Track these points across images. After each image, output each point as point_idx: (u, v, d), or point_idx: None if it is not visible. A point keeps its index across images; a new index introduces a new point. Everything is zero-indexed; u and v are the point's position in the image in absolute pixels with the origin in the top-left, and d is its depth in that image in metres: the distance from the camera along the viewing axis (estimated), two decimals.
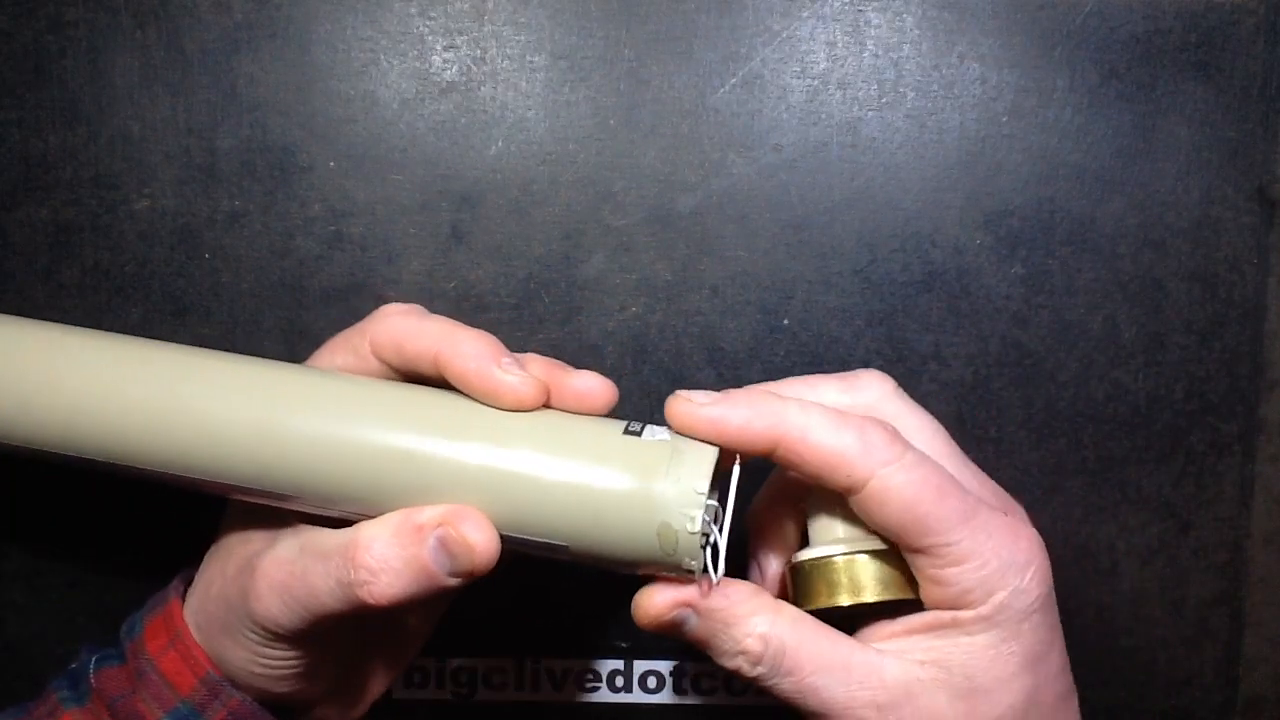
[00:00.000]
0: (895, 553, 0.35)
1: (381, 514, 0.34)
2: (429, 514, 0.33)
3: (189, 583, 0.39)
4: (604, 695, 0.47)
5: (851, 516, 0.35)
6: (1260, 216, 0.46)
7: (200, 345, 0.37)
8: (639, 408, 0.46)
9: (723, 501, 0.34)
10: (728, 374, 0.46)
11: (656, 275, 0.46)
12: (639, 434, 0.34)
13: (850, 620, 0.36)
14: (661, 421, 0.35)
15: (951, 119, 0.45)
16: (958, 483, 0.34)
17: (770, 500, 0.39)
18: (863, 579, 0.35)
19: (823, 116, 0.45)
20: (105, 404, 0.35)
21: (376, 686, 0.41)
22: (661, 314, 0.46)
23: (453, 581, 0.33)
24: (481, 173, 0.45)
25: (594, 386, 0.35)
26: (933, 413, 0.46)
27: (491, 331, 0.45)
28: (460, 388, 0.35)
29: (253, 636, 0.35)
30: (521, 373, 0.34)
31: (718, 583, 0.34)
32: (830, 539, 0.36)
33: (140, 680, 0.36)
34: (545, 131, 0.45)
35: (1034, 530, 0.35)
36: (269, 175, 0.45)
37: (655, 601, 0.34)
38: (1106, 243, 0.45)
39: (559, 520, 0.33)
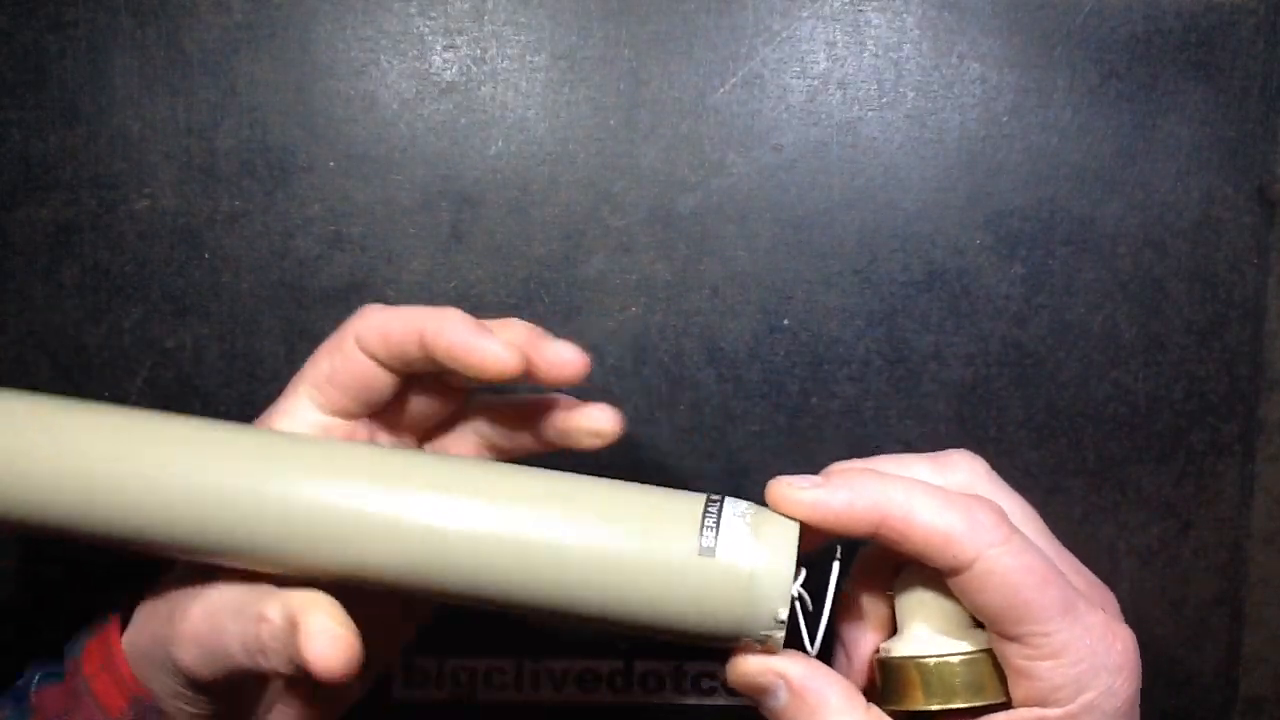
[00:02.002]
0: (987, 656, 0.34)
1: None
2: (296, 602, 0.32)
3: (136, 602, 0.38)
4: (604, 695, 0.47)
5: (943, 601, 0.34)
6: (1260, 216, 0.46)
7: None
8: (639, 408, 0.46)
9: (822, 580, 0.33)
10: (728, 374, 0.46)
11: (656, 275, 0.46)
12: (720, 502, 0.33)
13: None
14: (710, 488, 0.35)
15: (951, 119, 0.45)
16: (1060, 572, 0.33)
17: (860, 577, 0.38)
18: (954, 683, 0.34)
19: (823, 116, 0.45)
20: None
21: (319, 714, 0.40)
22: (661, 314, 0.46)
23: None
24: (481, 173, 0.45)
25: (568, 358, 0.35)
26: (933, 413, 0.46)
27: None
28: (448, 362, 0.34)
29: (176, 679, 0.35)
30: (503, 341, 0.34)
31: (813, 653, 0.33)
32: (921, 627, 0.35)
33: (76, 700, 0.37)
34: (545, 131, 0.45)
35: (1129, 630, 0.34)
36: (269, 175, 0.45)
37: (752, 663, 0.33)
38: (1106, 243, 0.45)
39: (628, 597, 0.32)
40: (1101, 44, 0.45)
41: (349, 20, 0.45)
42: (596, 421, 0.37)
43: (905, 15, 0.45)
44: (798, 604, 0.32)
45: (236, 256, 0.46)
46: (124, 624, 0.38)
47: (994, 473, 0.36)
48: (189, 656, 0.34)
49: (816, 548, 0.34)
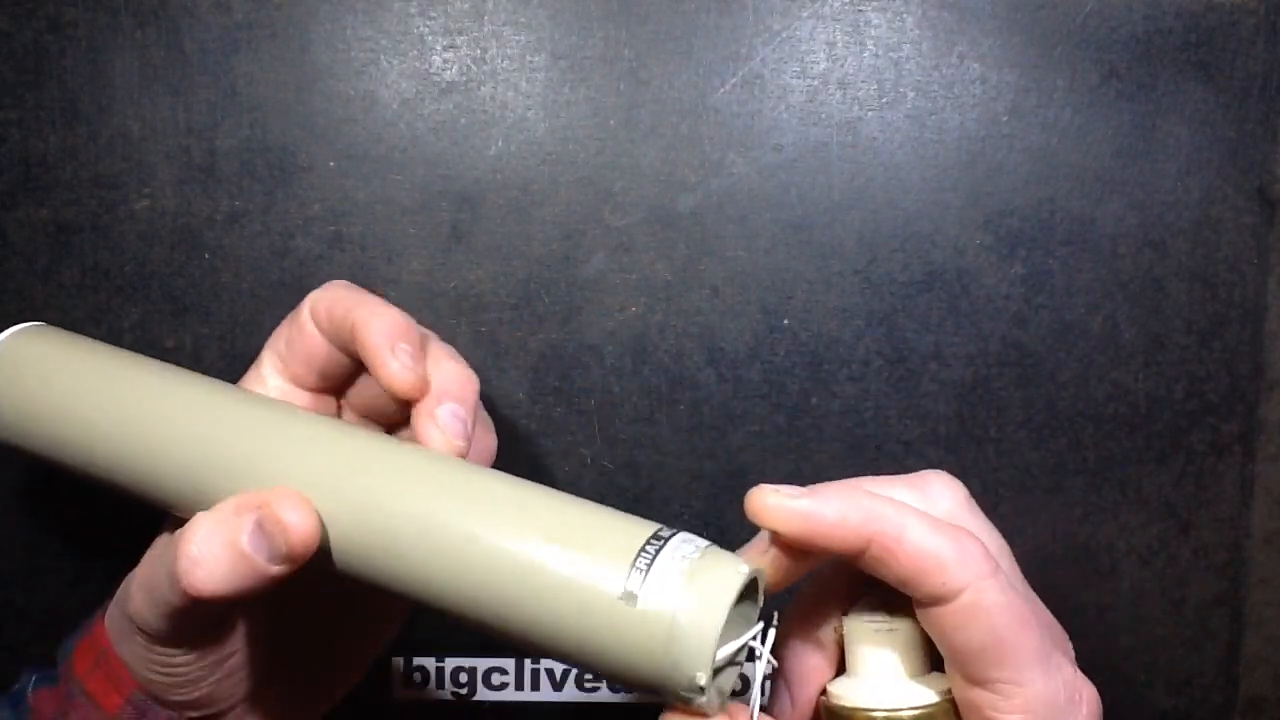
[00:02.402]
0: (946, 707, 0.32)
1: None
2: (251, 498, 0.31)
3: None
4: (603, 695, 0.47)
5: (898, 639, 0.32)
6: (1260, 216, 0.46)
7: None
8: (639, 408, 0.46)
9: (762, 632, 0.31)
10: (728, 374, 0.46)
11: (656, 275, 0.46)
12: (665, 541, 0.30)
13: None
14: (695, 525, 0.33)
15: (951, 119, 0.45)
16: (1039, 617, 0.31)
17: (808, 607, 0.35)
18: None
19: (823, 116, 0.45)
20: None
21: (313, 706, 0.40)
22: (661, 314, 0.46)
23: (275, 569, 0.31)
24: (481, 173, 0.45)
25: (451, 435, 0.34)
26: (933, 413, 0.46)
27: (491, 331, 0.46)
28: (365, 363, 0.35)
29: (137, 638, 0.34)
30: (408, 364, 0.34)
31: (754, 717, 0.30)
32: (872, 669, 0.32)
33: (70, 702, 0.37)
34: (545, 131, 0.45)
35: (1091, 686, 0.32)
36: (269, 175, 0.45)
37: None
38: (1106, 243, 0.45)
39: (543, 621, 0.30)
40: (1101, 44, 0.45)
41: (349, 20, 0.45)
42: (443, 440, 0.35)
43: (905, 15, 0.45)
44: (752, 650, 0.30)
45: (236, 256, 0.46)
46: None
47: (972, 501, 0.34)
48: (138, 605, 0.34)
49: (792, 582, 0.32)
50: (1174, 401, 0.46)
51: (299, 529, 0.31)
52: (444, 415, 0.34)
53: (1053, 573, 0.47)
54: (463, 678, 0.47)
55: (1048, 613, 0.33)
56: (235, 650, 0.36)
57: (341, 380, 0.38)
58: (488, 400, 0.46)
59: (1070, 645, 0.33)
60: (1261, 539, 0.47)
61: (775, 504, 0.31)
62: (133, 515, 0.46)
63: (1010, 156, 0.45)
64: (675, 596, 0.29)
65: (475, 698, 0.48)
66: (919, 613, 0.31)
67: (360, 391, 0.38)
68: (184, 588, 0.31)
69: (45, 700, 0.37)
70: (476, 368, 0.46)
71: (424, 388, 0.34)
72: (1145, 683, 0.48)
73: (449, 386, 0.35)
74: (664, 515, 0.47)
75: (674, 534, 0.30)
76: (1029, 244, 0.45)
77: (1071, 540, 0.47)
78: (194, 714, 0.37)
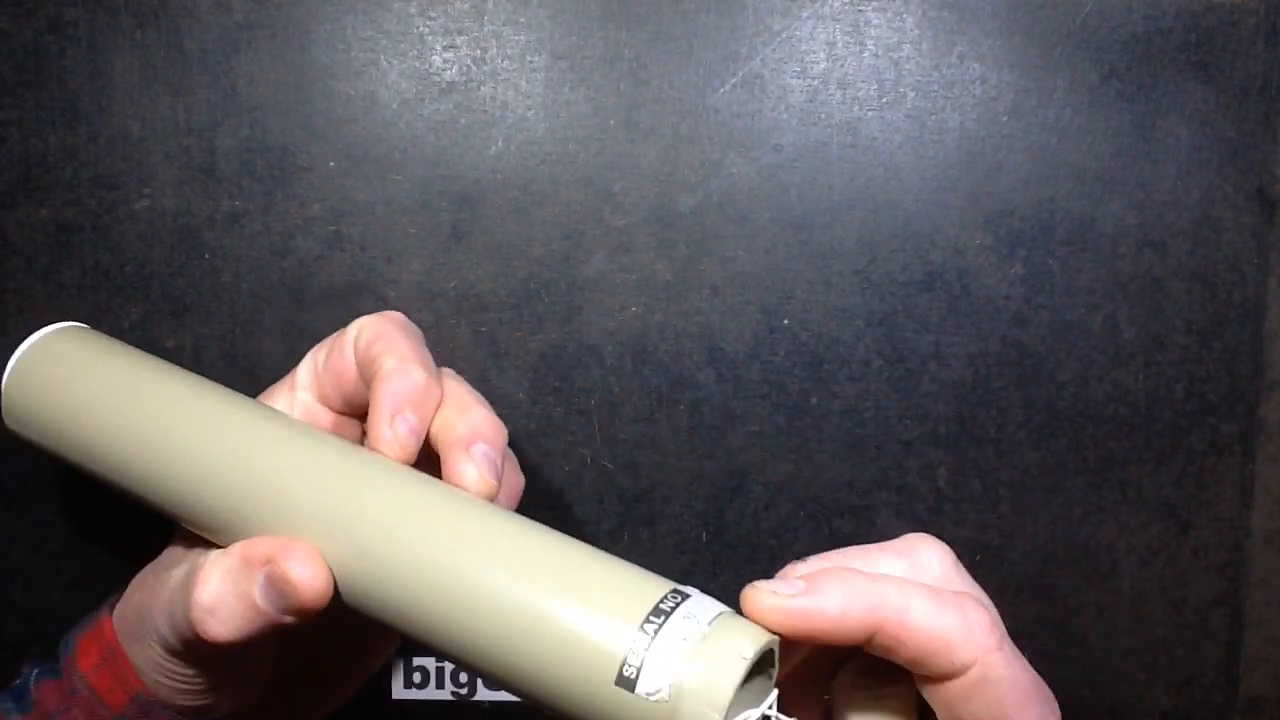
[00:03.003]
0: None
1: None
2: (260, 548, 0.31)
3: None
4: None
5: (886, 712, 0.31)
6: (1260, 216, 0.46)
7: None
8: (639, 408, 0.46)
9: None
10: (728, 374, 0.46)
11: (656, 275, 0.46)
12: (668, 614, 0.28)
13: None
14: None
15: (951, 119, 0.45)
16: (1035, 684, 0.31)
17: (793, 674, 0.34)
18: None
19: (823, 116, 0.45)
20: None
21: (314, 712, 0.41)
22: (661, 314, 0.46)
23: (288, 619, 0.31)
24: (481, 173, 0.45)
25: (470, 482, 0.33)
26: (933, 413, 0.46)
27: (491, 331, 0.46)
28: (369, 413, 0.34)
29: (156, 649, 0.35)
30: (401, 436, 0.33)
31: None
32: None
33: (73, 697, 0.37)
34: (545, 131, 0.45)
35: None
36: (269, 175, 0.45)
37: None
38: (1106, 243, 0.45)
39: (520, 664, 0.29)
40: (1101, 44, 0.45)
41: (349, 20, 0.45)
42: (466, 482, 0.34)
43: (905, 15, 0.45)
44: None
45: (236, 256, 0.46)
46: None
47: (959, 564, 0.33)
48: (162, 626, 0.34)
49: (797, 661, 0.32)
50: (1174, 401, 0.46)
51: (309, 586, 0.30)
52: (478, 454, 0.33)
53: (1053, 573, 0.47)
54: (463, 678, 0.47)
55: (1034, 673, 0.32)
56: (247, 664, 0.37)
57: (365, 409, 0.37)
58: (488, 400, 0.46)
59: (1055, 705, 0.33)
60: (1261, 539, 0.47)
61: (773, 605, 0.29)
62: (132, 515, 0.46)
63: (1010, 156, 0.45)
64: (675, 683, 0.27)
65: (475, 698, 0.48)
66: (922, 686, 0.30)
67: None
68: (199, 632, 0.32)
69: (48, 693, 0.37)
70: (476, 367, 0.46)
71: (412, 456, 0.33)
72: (1145, 683, 0.48)
73: (482, 428, 0.34)
74: (664, 515, 0.47)
75: (681, 600, 0.29)
76: (1029, 244, 0.45)
77: (1071, 540, 0.47)
78: (199, 718, 0.37)
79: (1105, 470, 0.46)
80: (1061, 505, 0.47)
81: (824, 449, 0.46)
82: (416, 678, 0.48)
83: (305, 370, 0.38)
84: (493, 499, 0.33)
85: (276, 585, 0.31)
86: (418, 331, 0.38)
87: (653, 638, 0.28)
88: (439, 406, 0.35)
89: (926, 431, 0.46)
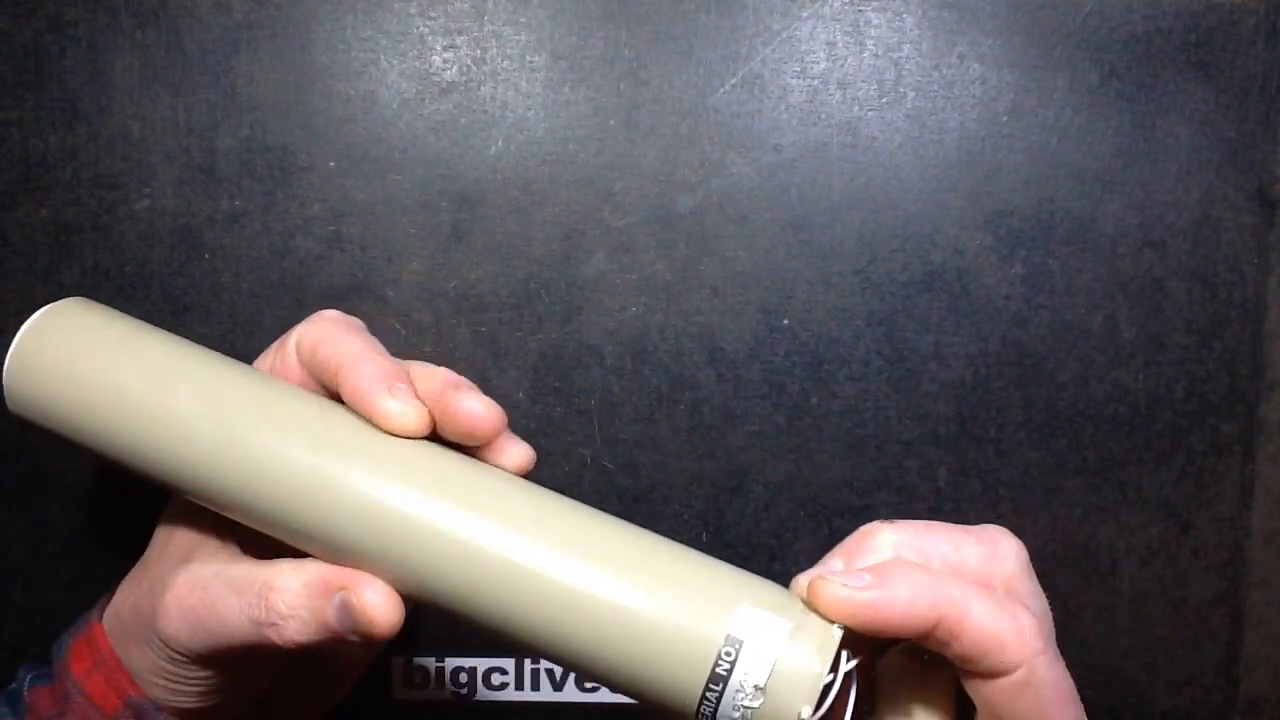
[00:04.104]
0: None
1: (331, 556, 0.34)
2: (337, 575, 0.33)
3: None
4: (603, 695, 0.47)
5: (928, 692, 0.33)
6: (1260, 216, 0.46)
7: (200, 345, 0.37)
8: (639, 408, 0.46)
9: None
10: (728, 374, 0.46)
11: (656, 275, 0.46)
12: (739, 647, 0.31)
13: None
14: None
15: (951, 119, 0.45)
16: (1074, 693, 0.32)
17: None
18: None
19: (823, 116, 0.45)
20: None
21: (306, 715, 0.41)
22: (661, 314, 0.46)
23: (354, 639, 0.33)
24: (481, 173, 0.45)
25: (480, 415, 0.34)
26: (933, 413, 0.46)
27: (491, 331, 0.46)
28: (351, 405, 0.35)
29: (158, 651, 0.35)
30: (405, 401, 0.34)
31: None
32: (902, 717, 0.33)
33: (67, 702, 0.37)
34: (545, 131, 0.45)
35: None
36: (269, 175, 0.45)
37: None
38: (1106, 243, 0.45)
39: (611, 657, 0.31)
40: (1101, 44, 0.45)
41: (349, 20, 0.45)
42: (512, 462, 0.35)
43: (905, 15, 0.45)
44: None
45: (236, 256, 0.46)
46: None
47: (1030, 563, 0.34)
48: (180, 630, 0.34)
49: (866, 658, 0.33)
50: (1174, 401, 0.46)
51: (384, 619, 0.32)
52: (468, 388, 0.35)
53: (1053, 573, 0.47)
54: (463, 678, 0.47)
55: (1071, 680, 0.34)
56: (254, 666, 0.37)
57: None
58: None
59: (1084, 711, 0.34)
60: (1261, 539, 0.47)
61: (845, 597, 0.31)
62: (132, 515, 0.46)
63: (1010, 156, 0.45)
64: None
65: (475, 698, 0.48)
66: (967, 681, 0.32)
67: None
68: (270, 636, 0.33)
69: (42, 698, 0.37)
70: (476, 367, 0.46)
71: (426, 422, 0.34)
72: (1145, 683, 0.48)
73: (453, 375, 0.35)
74: (664, 515, 0.47)
75: (731, 667, 0.30)
76: (1029, 244, 0.45)
77: (1071, 540, 0.47)
78: None
79: (1105, 470, 0.46)
80: (1061, 505, 0.47)
81: (824, 449, 0.46)
82: (416, 678, 0.48)
83: None
84: (500, 428, 0.34)
85: (352, 612, 0.32)
86: (357, 322, 0.38)
87: (730, 668, 0.30)
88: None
89: (926, 431, 0.46)
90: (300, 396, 0.35)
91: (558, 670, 0.47)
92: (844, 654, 0.31)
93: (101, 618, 0.38)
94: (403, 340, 0.46)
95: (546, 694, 0.47)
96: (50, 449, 0.46)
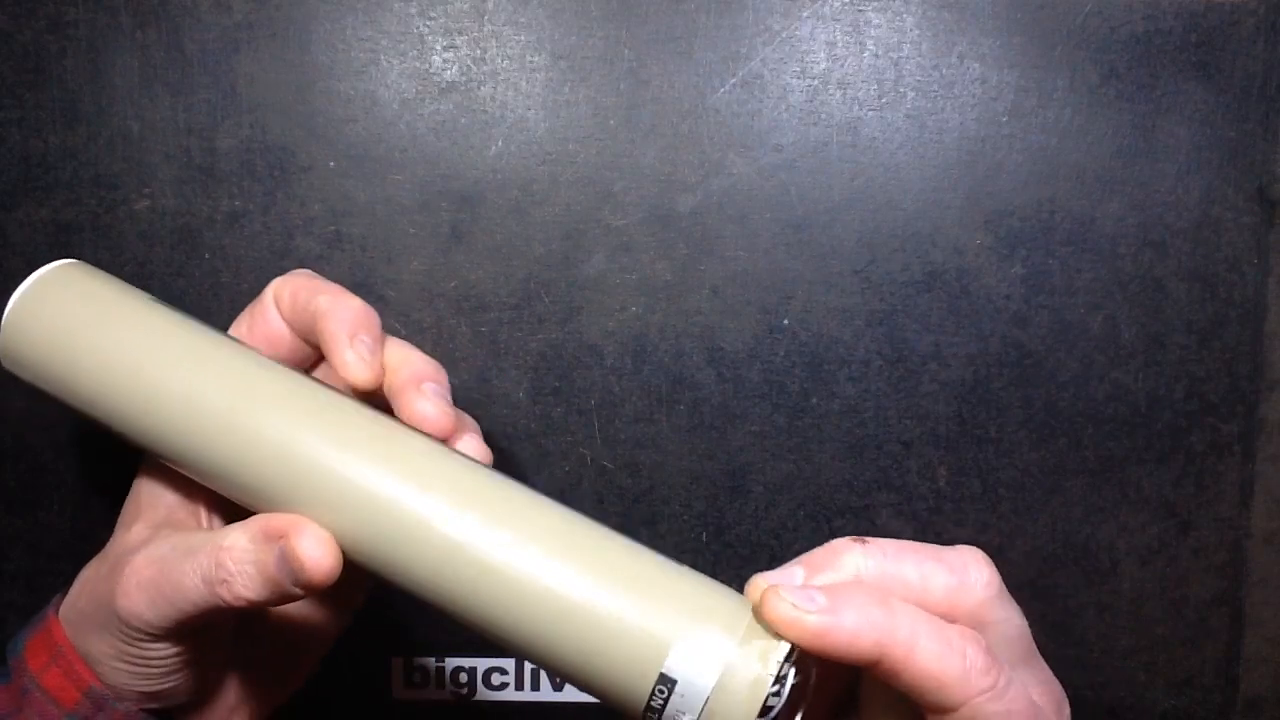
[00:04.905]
0: None
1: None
2: (278, 521, 0.33)
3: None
4: None
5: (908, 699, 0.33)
6: (1260, 216, 0.46)
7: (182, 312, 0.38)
8: (639, 408, 0.46)
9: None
10: (728, 374, 0.46)
11: (656, 275, 0.46)
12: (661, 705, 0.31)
13: None
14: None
15: (951, 119, 0.45)
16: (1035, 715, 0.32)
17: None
18: None
19: (823, 116, 0.45)
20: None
21: (263, 703, 0.41)
22: (661, 314, 0.46)
23: (298, 591, 0.33)
24: (481, 173, 0.45)
25: (429, 417, 0.35)
26: (933, 413, 0.46)
27: (492, 331, 0.46)
28: (321, 348, 0.36)
29: (118, 633, 0.35)
30: (364, 356, 0.35)
31: None
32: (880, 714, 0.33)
33: (25, 698, 0.37)
34: (545, 131, 0.45)
35: None
36: (269, 175, 0.45)
37: None
38: (1106, 243, 0.45)
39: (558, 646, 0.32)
40: (1101, 44, 0.45)
41: (349, 20, 0.45)
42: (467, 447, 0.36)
43: (905, 15, 0.45)
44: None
45: (236, 256, 0.46)
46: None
47: (1003, 587, 0.34)
48: (138, 603, 0.34)
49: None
50: (1174, 401, 0.46)
51: (316, 564, 0.32)
52: (429, 390, 0.35)
53: (1053, 573, 0.47)
54: (463, 678, 0.47)
55: (1049, 680, 0.34)
56: (212, 642, 0.37)
57: (301, 368, 0.38)
58: (488, 400, 0.46)
59: (1066, 706, 0.34)
60: (1261, 539, 0.47)
61: (793, 618, 0.31)
62: None
63: (1010, 156, 0.45)
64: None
65: (475, 698, 0.48)
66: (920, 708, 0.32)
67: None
68: (220, 593, 0.33)
69: None
70: (476, 367, 0.46)
71: (380, 378, 0.35)
72: (1145, 683, 0.48)
73: (424, 370, 0.36)
74: (664, 515, 0.47)
75: (666, 700, 0.31)
76: (1029, 244, 0.45)
77: (1071, 540, 0.47)
78: (154, 705, 0.37)
79: (1105, 470, 0.46)
80: (1061, 505, 0.47)
81: (824, 449, 0.46)
82: (416, 678, 0.47)
83: None
84: (450, 435, 0.35)
85: (288, 560, 0.33)
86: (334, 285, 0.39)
87: (665, 700, 0.31)
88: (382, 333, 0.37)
89: (926, 431, 0.46)
90: (269, 365, 0.36)
91: None
92: (790, 670, 0.31)
93: (58, 612, 0.38)
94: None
95: (546, 694, 0.47)
96: (50, 449, 0.46)
